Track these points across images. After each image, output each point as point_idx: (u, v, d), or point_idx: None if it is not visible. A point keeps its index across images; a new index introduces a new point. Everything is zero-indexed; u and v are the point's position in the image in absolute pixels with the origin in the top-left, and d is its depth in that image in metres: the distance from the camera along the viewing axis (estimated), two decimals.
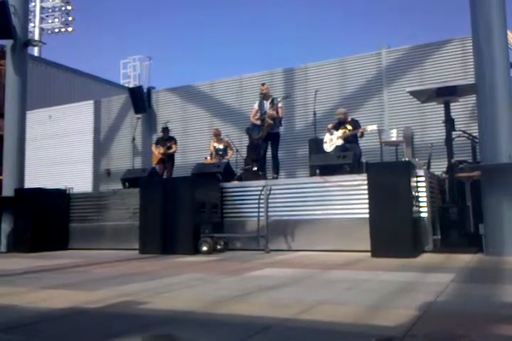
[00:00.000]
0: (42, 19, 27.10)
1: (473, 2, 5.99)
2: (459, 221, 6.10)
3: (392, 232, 5.52)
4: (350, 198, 6.55)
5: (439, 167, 7.72)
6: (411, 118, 9.49)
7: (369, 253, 5.63)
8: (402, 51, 9.94)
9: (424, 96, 6.84)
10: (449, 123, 6.47)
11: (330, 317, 2.48)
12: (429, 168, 7.48)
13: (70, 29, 27.49)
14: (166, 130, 10.37)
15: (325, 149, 8.24)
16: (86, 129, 13.73)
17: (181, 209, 6.91)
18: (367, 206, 5.83)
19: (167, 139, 10.28)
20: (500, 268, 4.62)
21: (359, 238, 6.03)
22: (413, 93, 6.98)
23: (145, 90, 12.89)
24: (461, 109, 8.52)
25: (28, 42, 9.59)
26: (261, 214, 6.70)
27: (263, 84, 8.90)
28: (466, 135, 7.44)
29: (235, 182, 7.99)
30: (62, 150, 13.93)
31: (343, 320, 2.42)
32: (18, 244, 8.00)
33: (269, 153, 8.74)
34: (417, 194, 6.00)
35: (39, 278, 4.64)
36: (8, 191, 8.62)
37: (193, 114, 12.18)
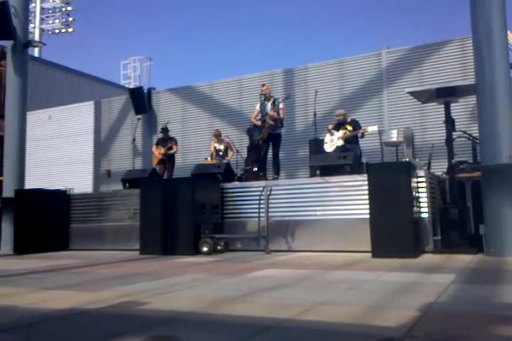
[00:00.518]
0: (42, 20, 27.12)
1: (474, 2, 5.99)
2: (460, 221, 6.10)
3: (392, 233, 5.52)
4: (351, 199, 6.55)
5: (440, 167, 7.71)
6: (411, 119, 9.49)
7: (369, 254, 5.63)
8: (402, 52, 9.95)
9: (424, 96, 6.84)
10: (450, 123, 6.47)
11: (330, 318, 2.48)
12: (429, 168, 7.47)
13: (70, 30, 27.53)
14: (165, 130, 10.37)
15: (325, 150, 8.24)
16: (86, 130, 13.73)
17: (182, 209, 6.91)
18: (367, 206, 5.83)
19: (167, 140, 10.28)
20: (500, 269, 4.62)
21: (359, 238, 6.03)
22: (413, 94, 6.98)
23: (145, 91, 12.88)
24: (462, 109, 8.52)
25: (29, 43, 9.59)
26: (261, 214, 6.70)
27: (263, 85, 8.90)
28: (466, 135, 7.43)
29: (236, 183, 7.99)
30: (62, 151, 13.93)
31: (344, 321, 2.42)
32: (19, 244, 8.00)
33: (269, 154, 8.74)
34: (417, 194, 6.00)
35: (40, 278, 4.64)
36: (8, 192, 8.62)
37: (193, 114, 12.18)
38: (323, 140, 8.39)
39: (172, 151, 10.21)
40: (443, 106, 6.57)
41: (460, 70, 9.12)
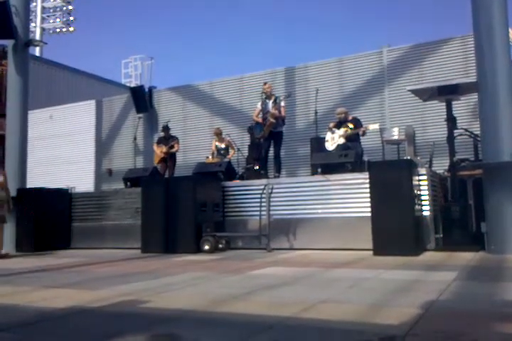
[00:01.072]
0: (43, 19, 27.11)
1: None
2: (461, 219, 6.08)
3: (394, 231, 5.51)
4: (352, 197, 6.55)
5: (441, 165, 7.70)
6: (412, 117, 9.47)
7: (371, 252, 5.63)
8: (403, 50, 9.92)
9: (425, 94, 6.82)
10: (451, 121, 6.46)
11: (332, 316, 2.48)
12: (431, 166, 7.46)
13: (71, 29, 27.51)
14: (166, 129, 10.36)
15: (326, 148, 8.23)
16: (87, 129, 13.73)
17: (183, 208, 6.91)
18: (369, 204, 5.82)
19: (169, 138, 10.28)
20: (502, 266, 4.62)
21: (361, 236, 6.02)
22: (414, 91, 6.96)
23: (146, 90, 12.89)
24: (463, 107, 8.50)
25: (30, 42, 9.60)
26: (263, 213, 6.70)
27: (265, 83, 8.89)
28: (467, 133, 7.42)
29: (237, 181, 8.00)
30: (63, 150, 13.94)
31: (345, 319, 2.41)
32: (21, 243, 8.02)
33: (271, 152, 8.73)
34: (418, 192, 5.99)
35: (41, 277, 4.65)
36: (10, 191, 8.61)
37: (194, 113, 12.18)
38: (325, 138, 8.38)
39: (174, 150, 10.20)
40: (444, 104, 6.56)
41: (461, 68, 9.10)
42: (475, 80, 6.15)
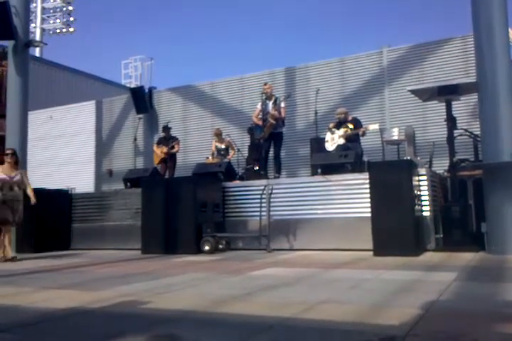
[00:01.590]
0: (43, 20, 27.12)
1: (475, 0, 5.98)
2: (461, 219, 6.09)
3: (394, 231, 5.51)
4: (352, 197, 6.55)
5: (441, 165, 7.69)
6: (412, 117, 9.46)
7: (371, 252, 5.63)
8: (403, 50, 9.93)
9: (425, 94, 6.82)
10: (451, 121, 6.46)
11: (332, 316, 2.48)
12: (431, 166, 7.46)
13: (71, 29, 27.51)
14: (167, 129, 10.37)
15: (326, 148, 8.22)
16: (88, 129, 13.73)
17: (183, 209, 6.91)
18: (369, 205, 5.82)
19: (169, 139, 10.28)
20: (502, 267, 4.62)
21: (361, 237, 6.02)
22: (414, 92, 6.96)
23: (146, 90, 12.89)
24: (463, 107, 8.50)
25: (30, 43, 9.60)
26: (263, 213, 6.70)
27: (265, 84, 8.89)
28: (467, 133, 7.42)
29: (237, 182, 7.99)
30: (63, 151, 13.94)
31: (345, 319, 2.41)
32: (21, 244, 8.01)
33: (271, 153, 8.73)
34: (419, 193, 5.99)
35: (42, 278, 4.65)
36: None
37: (194, 113, 12.18)
38: (325, 138, 8.38)
39: (174, 150, 10.21)
40: (444, 104, 6.56)
41: (461, 68, 9.10)
42: (475, 80, 6.15)
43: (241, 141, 10.54)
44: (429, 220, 6.07)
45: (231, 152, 9.79)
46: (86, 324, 2.57)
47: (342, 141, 8.05)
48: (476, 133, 7.08)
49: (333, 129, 8.24)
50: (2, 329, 2.42)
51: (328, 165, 7.18)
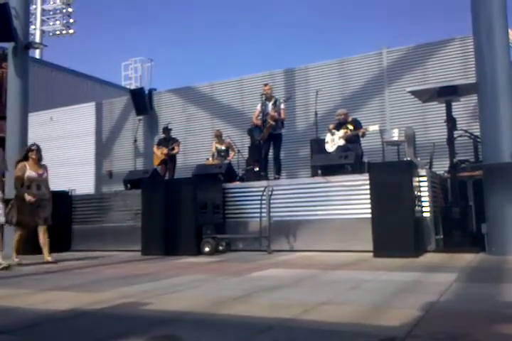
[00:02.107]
0: (43, 21, 27.16)
1: (474, 1, 5.98)
2: (462, 220, 6.08)
3: (394, 232, 5.51)
4: (352, 198, 6.54)
5: (441, 166, 7.69)
6: (412, 118, 9.47)
7: (371, 254, 5.62)
8: (403, 51, 9.93)
9: (425, 95, 6.83)
10: (451, 122, 6.46)
11: (332, 318, 2.48)
12: (431, 167, 7.46)
13: (71, 31, 27.57)
14: (167, 130, 10.37)
15: (326, 149, 8.22)
16: (88, 131, 13.73)
17: (183, 210, 6.91)
18: (369, 206, 5.82)
19: (170, 140, 10.28)
20: (502, 268, 4.61)
21: (361, 238, 6.02)
22: (414, 93, 6.97)
23: (146, 92, 12.89)
24: (463, 108, 8.50)
25: (30, 45, 9.60)
26: (263, 214, 6.70)
27: (265, 85, 8.89)
28: (467, 134, 7.42)
29: (237, 183, 7.99)
30: (64, 152, 13.93)
31: (345, 320, 2.41)
32: (22, 245, 7.98)
33: (270, 154, 8.73)
34: (419, 193, 5.99)
35: (41, 279, 4.65)
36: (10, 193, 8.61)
37: (194, 115, 12.18)
38: (325, 139, 8.38)
39: (174, 152, 10.21)
40: (444, 105, 6.56)
41: (461, 69, 9.10)
42: (475, 81, 6.15)
43: (241, 142, 10.55)
44: (430, 221, 6.07)
45: (231, 153, 9.80)
46: (86, 325, 2.56)
47: (342, 142, 8.06)
48: (476, 134, 7.09)
49: (333, 130, 8.24)
50: (2, 331, 2.42)
51: (328, 166, 7.18)
